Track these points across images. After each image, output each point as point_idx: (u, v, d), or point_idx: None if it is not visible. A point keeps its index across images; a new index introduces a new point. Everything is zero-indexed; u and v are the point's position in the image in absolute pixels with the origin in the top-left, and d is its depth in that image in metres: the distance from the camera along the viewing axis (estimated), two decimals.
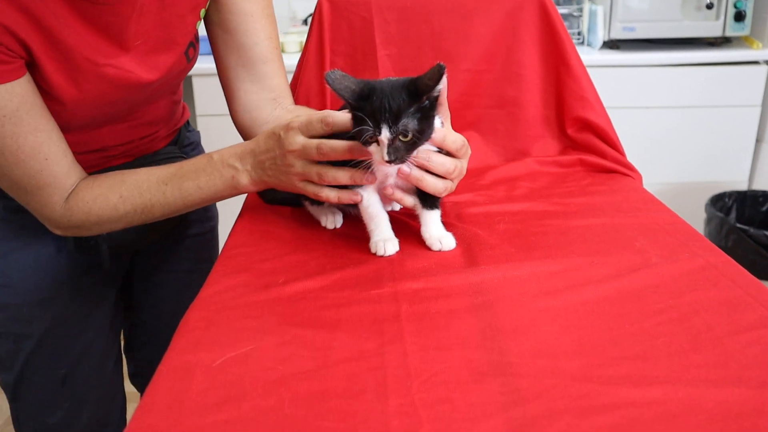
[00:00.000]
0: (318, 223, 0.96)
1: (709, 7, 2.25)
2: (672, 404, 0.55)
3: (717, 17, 2.27)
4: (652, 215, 0.94)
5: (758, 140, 2.40)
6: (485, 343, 0.65)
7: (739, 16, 2.26)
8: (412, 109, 0.76)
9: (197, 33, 1.00)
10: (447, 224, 0.89)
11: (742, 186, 2.43)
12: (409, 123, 0.76)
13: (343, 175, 0.85)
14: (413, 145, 0.78)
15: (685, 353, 0.62)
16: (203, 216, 1.22)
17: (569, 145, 1.17)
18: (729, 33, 2.29)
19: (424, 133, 0.78)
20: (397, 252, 0.86)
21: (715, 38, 2.35)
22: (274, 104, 1.05)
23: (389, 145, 0.76)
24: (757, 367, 0.59)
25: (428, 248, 0.87)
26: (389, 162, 0.77)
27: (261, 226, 0.96)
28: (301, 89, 1.20)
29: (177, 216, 0.95)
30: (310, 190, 0.87)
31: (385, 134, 0.76)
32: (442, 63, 0.75)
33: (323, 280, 0.79)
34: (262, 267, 0.83)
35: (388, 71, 1.14)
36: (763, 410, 0.54)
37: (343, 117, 0.83)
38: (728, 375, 0.58)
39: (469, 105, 1.17)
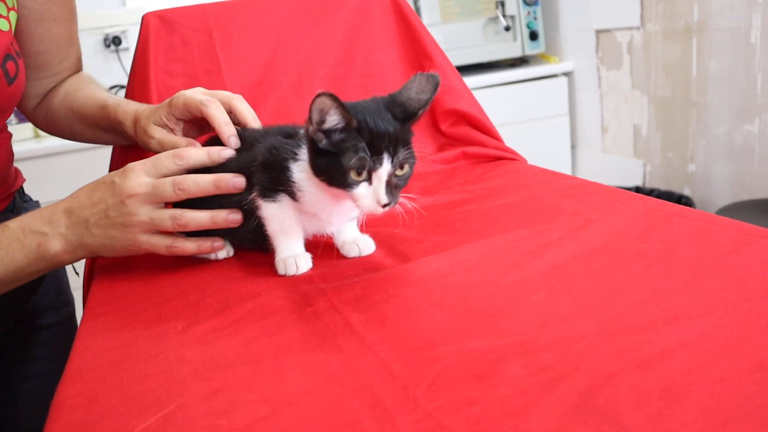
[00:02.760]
0: (198, 258, 0.77)
1: (507, 29, 2.40)
2: (727, 332, 0.45)
3: (515, 39, 2.43)
4: (562, 183, 0.88)
5: (573, 146, 2.58)
6: (473, 330, 0.51)
7: (534, 36, 2.43)
8: (403, 134, 0.62)
9: (14, 43, 0.78)
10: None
11: None
12: (406, 152, 0.61)
13: (204, 217, 0.70)
14: (406, 180, 0.63)
15: (695, 284, 0.53)
16: (57, 301, 0.96)
17: (446, 142, 1.09)
18: (528, 52, 2.45)
19: (413, 163, 0.63)
20: (311, 269, 0.70)
21: (515, 59, 2.51)
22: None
23: (387, 182, 0.61)
24: None
25: (344, 257, 0.72)
26: (386, 205, 0.61)
27: (126, 278, 0.75)
28: None
29: (18, 306, 0.71)
30: (160, 244, 0.70)
31: (386, 167, 0.60)
32: (435, 73, 0.64)
33: (234, 314, 0.60)
34: (146, 317, 0.62)
35: (236, 88, 0.99)
36: None
37: (199, 152, 0.71)
38: (754, 290, 0.51)
39: None
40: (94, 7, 2.52)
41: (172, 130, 0.80)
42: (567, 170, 2.57)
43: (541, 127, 2.49)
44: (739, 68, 1.83)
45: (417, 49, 1.06)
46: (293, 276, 0.68)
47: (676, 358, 0.43)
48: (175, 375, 0.50)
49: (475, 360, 0.46)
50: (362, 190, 0.61)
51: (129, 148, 0.95)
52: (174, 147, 0.77)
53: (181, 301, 0.65)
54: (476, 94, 1.08)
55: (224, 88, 0.98)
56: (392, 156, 0.60)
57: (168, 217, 0.69)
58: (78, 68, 0.98)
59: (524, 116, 2.45)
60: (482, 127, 1.07)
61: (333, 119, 0.59)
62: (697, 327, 0.46)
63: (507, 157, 1.05)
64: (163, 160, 0.70)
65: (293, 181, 0.66)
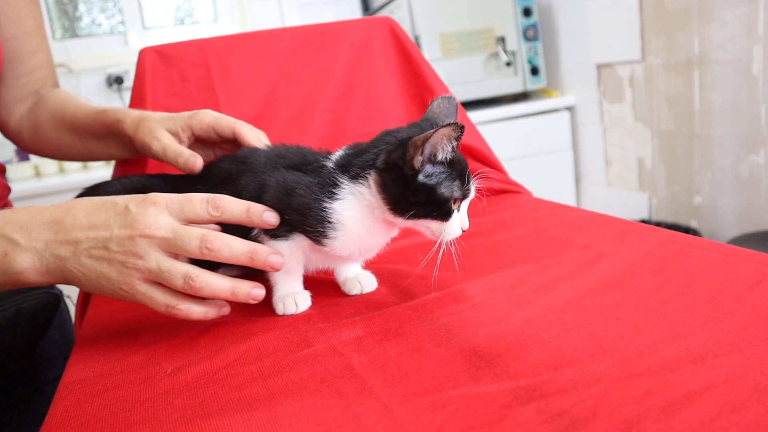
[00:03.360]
0: None
1: (508, 64, 2.40)
2: (756, 369, 0.42)
3: (516, 74, 2.43)
4: (571, 216, 0.85)
5: (577, 180, 2.56)
6: (481, 372, 0.48)
7: (535, 71, 2.43)
8: None
9: None
10: None
11: None
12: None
13: (225, 288, 0.59)
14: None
15: (717, 320, 0.50)
16: (64, 350, 0.90)
17: None
18: (529, 87, 2.45)
19: None
20: (309, 307, 0.67)
21: (517, 94, 2.51)
22: (35, 96, 0.91)
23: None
24: None
25: (345, 295, 0.69)
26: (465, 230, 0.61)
27: (117, 310, 0.71)
28: None
29: (19, 356, 0.66)
30: (160, 300, 0.58)
31: (472, 194, 0.61)
32: (450, 95, 0.64)
33: (228, 356, 0.57)
34: (135, 360, 0.58)
35: None
36: None
37: (238, 207, 0.60)
38: None
39: (335, 146, 1.03)
40: (97, 47, 2.54)
41: (181, 142, 0.78)
42: (572, 205, 2.55)
43: (545, 162, 2.48)
44: (742, 100, 1.81)
45: (418, 82, 1.05)
46: (292, 314, 0.65)
47: (703, 400, 0.40)
48: (162, 423, 0.46)
49: (484, 405, 0.43)
50: (455, 218, 0.60)
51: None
52: (179, 155, 0.75)
53: (173, 341, 0.62)
54: (479, 129, 1.06)
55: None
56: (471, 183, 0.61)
57: (180, 275, 0.57)
58: (55, 80, 0.96)
59: (527, 151, 2.44)
60: (486, 160, 1.05)
61: (448, 149, 0.57)
62: (723, 366, 0.43)
63: (512, 190, 1.02)
64: (195, 204, 0.58)
65: (331, 222, 0.60)
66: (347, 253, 0.63)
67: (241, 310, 0.68)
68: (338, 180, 0.61)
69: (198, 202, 0.59)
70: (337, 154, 0.65)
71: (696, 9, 1.89)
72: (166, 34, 2.69)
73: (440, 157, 0.57)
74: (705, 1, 1.86)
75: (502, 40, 2.40)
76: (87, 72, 2.48)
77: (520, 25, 2.40)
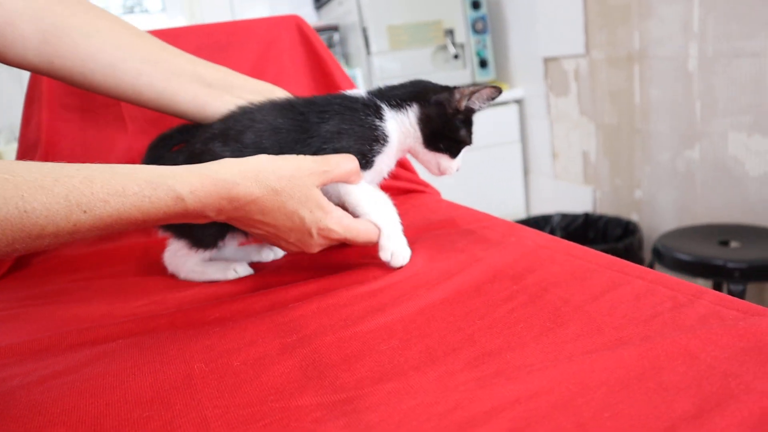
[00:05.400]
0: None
1: (456, 57, 2.40)
2: (563, 388, 0.42)
3: (464, 66, 2.43)
4: (463, 219, 0.85)
5: (525, 172, 2.57)
6: (310, 384, 0.48)
7: (483, 63, 2.44)
8: None
9: None
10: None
11: (522, 215, 2.56)
12: None
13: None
14: None
15: (552, 331, 0.51)
16: None
17: None
18: (477, 79, 2.45)
19: None
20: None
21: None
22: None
23: None
24: (631, 324, 0.50)
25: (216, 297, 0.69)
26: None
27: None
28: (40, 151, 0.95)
29: None
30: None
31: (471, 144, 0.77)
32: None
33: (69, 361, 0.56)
34: None
35: (139, 121, 0.96)
36: (659, 364, 0.43)
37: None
38: (606, 340, 0.48)
39: None
40: None
41: None
42: (521, 197, 2.57)
43: (495, 154, 2.49)
44: (679, 96, 1.84)
45: (326, 80, 1.04)
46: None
47: (502, 417, 0.40)
48: None
49: (298, 419, 0.43)
50: (459, 158, 0.77)
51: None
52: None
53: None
54: None
55: (125, 120, 0.95)
56: None
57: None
58: None
59: (477, 143, 2.44)
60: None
61: (482, 104, 0.73)
62: (534, 381, 0.43)
63: (419, 190, 1.02)
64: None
65: (385, 136, 0.71)
66: (382, 168, 0.74)
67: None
68: (381, 106, 0.72)
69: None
70: (361, 91, 0.75)
71: (636, 4, 1.91)
72: None
73: (475, 107, 0.72)
74: None
75: (450, 32, 2.39)
76: None
77: (468, 17, 2.40)
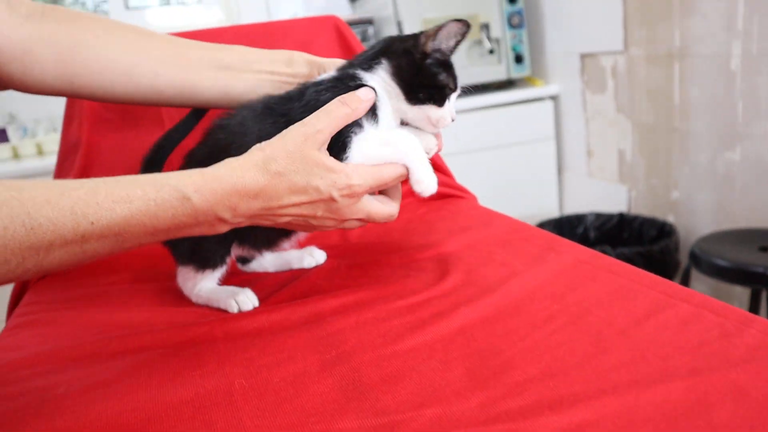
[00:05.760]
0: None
1: (491, 52, 2.37)
2: (607, 421, 0.42)
3: (500, 62, 2.40)
4: (502, 228, 0.84)
5: (559, 170, 2.54)
6: (350, 406, 0.48)
7: (519, 59, 2.40)
8: None
9: None
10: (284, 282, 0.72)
11: (555, 213, 2.53)
12: None
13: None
14: None
15: (595, 357, 0.50)
16: None
17: None
18: (513, 75, 2.42)
19: None
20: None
21: (501, 82, 2.48)
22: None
23: None
24: (677, 353, 0.49)
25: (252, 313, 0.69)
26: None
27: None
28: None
29: None
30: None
31: (458, 91, 0.72)
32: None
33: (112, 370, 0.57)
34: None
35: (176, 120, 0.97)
36: (707, 400, 0.43)
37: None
38: (651, 370, 0.47)
39: None
40: None
41: None
42: (554, 195, 2.54)
43: (528, 151, 2.46)
44: (720, 95, 1.79)
45: None
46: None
47: None
48: None
49: None
50: (448, 106, 0.70)
51: None
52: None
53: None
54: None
55: (162, 118, 0.96)
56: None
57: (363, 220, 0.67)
58: None
59: (511, 139, 2.42)
60: (432, 162, 1.03)
61: (452, 43, 0.69)
62: (578, 414, 0.43)
63: (456, 195, 1.01)
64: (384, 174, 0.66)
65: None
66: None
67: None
68: (354, 73, 0.69)
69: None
70: (329, 74, 0.72)
71: (678, 1, 1.86)
72: (151, 14, 2.66)
73: (444, 47, 0.68)
74: None
75: (486, 27, 2.36)
76: None
77: (504, 12, 2.37)
